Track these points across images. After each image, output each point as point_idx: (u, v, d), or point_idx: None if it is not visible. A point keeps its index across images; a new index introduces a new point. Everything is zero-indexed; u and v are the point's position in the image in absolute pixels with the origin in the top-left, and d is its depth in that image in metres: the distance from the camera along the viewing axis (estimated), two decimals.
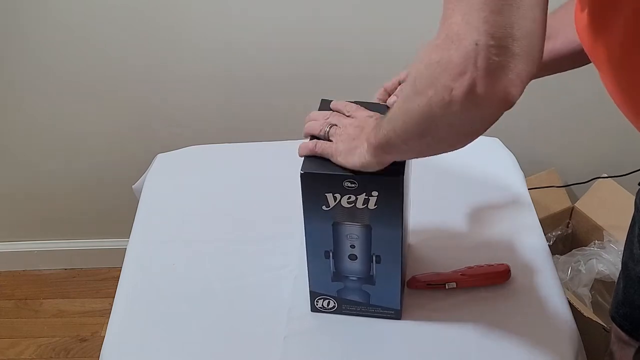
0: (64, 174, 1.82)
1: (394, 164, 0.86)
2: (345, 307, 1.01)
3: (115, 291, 1.09)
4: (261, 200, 1.22)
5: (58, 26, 1.57)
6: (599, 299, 1.56)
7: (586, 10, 0.77)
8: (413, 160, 0.94)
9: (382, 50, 1.58)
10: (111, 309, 1.07)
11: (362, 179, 0.88)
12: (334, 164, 0.89)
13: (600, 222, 1.61)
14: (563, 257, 1.57)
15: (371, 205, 0.89)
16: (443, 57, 0.65)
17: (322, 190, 0.90)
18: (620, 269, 1.03)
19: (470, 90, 0.65)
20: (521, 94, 0.66)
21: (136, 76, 1.65)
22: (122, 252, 1.16)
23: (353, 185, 0.88)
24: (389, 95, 1.03)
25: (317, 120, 0.94)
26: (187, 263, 1.12)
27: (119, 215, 1.61)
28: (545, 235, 1.16)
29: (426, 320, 1.01)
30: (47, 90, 1.67)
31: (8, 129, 1.75)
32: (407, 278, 1.05)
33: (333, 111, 0.96)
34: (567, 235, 1.69)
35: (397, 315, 1.01)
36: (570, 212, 1.68)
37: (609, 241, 1.55)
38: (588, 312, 1.38)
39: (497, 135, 1.32)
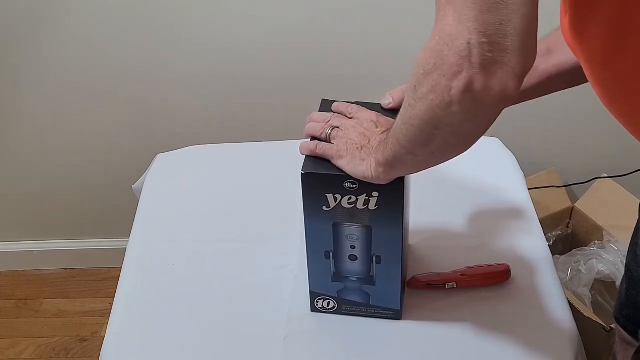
0: (64, 174, 1.82)
1: None
2: (345, 308, 1.01)
3: (115, 291, 1.09)
4: (261, 200, 1.22)
5: (58, 26, 1.57)
6: (599, 299, 1.56)
7: (567, 15, 0.78)
8: None
9: (382, 50, 1.58)
10: (111, 309, 1.07)
11: None
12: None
13: (600, 222, 1.61)
14: (563, 257, 1.57)
15: (372, 206, 0.89)
16: (438, 59, 0.67)
17: (323, 191, 0.90)
18: (620, 269, 1.03)
19: (468, 87, 0.66)
20: (517, 88, 0.67)
21: (136, 76, 1.65)
22: (122, 252, 1.16)
23: (354, 186, 0.88)
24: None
25: (318, 122, 0.94)
26: (187, 263, 1.12)
27: (119, 215, 1.61)
28: (545, 235, 1.16)
29: (426, 320, 1.01)
30: (47, 90, 1.67)
31: (8, 128, 1.74)
32: (408, 278, 1.05)
33: (334, 113, 0.96)
34: (567, 235, 1.69)
35: (397, 315, 1.01)
36: (570, 212, 1.68)
37: (609, 241, 1.55)
38: (588, 312, 1.38)
39: (497, 135, 1.32)
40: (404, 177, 0.87)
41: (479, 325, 0.99)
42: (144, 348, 1.01)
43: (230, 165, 1.33)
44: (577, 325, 1.01)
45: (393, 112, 0.94)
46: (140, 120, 1.72)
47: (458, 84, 0.66)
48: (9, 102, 1.70)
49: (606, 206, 1.63)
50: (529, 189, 1.24)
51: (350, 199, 0.89)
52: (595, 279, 1.52)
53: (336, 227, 0.93)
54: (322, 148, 0.90)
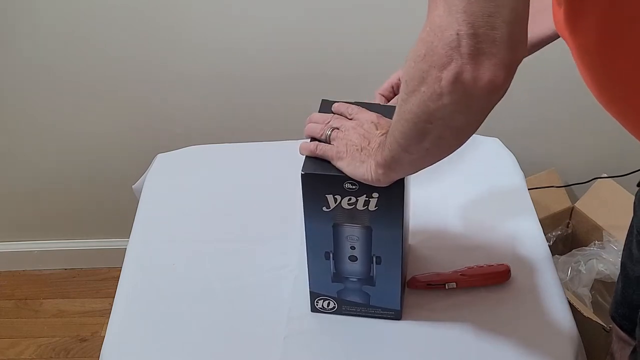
0: (64, 174, 1.82)
1: None
2: (345, 308, 1.01)
3: (115, 291, 1.09)
4: (261, 200, 1.22)
5: (58, 26, 1.57)
6: (599, 299, 1.56)
7: (562, 8, 0.78)
8: None
9: (382, 50, 1.57)
10: (111, 309, 1.07)
11: None
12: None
13: (600, 222, 1.61)
14: (563, 257, 1.57)
15: (372, 206, 0.89)
16: (429, 49, 0.67)
17: (323, 191, 0.90)
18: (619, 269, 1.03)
19: (458, 77, 0.67)
20: (507, 79, 0.68)
21: (136, 76, 1.65)
22: (122, 252, 1.16)
23: (354, 186, 0.88)
24: (387, 99, 1.04)
25: (318, 123, 0.94)
26: (187, 263, 1.12)
27: (119, 215, 1.61)
28: (545, 235, 1.16)
29: (426, 321, 1.01)
30: (47, 90, 1.67)
31: (8, 128, 1.74)
32: (407, 278, 1.05)
33: (334, 114, 0.96)
34: (567, 235, 1.69)
35: (397, 315, 1.01)
36: (570, 212, 1.68)
37: (609, 241, 1.55)
38: (588, 312, 1.38)
39: (497, 135, 1.32)
40: (403, 178, 0.87)
41: (478, 325, 0.99)
42: (144, 348, 1.01)
43: (230, 165, 1.33)
44: (577, 326, 1.01)
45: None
46: (140, 120, 1.72)
47: (447, 75, 0.67)
48: (9, 102, 1.70)
49: (606, 206, 1.63)
50: (529, 189, 1.24)
51: (350, 199, 0.89)
52: (595, 279, 1.52)
53: (336, 227, 0.93)
54: (321, 149, 0.90)
